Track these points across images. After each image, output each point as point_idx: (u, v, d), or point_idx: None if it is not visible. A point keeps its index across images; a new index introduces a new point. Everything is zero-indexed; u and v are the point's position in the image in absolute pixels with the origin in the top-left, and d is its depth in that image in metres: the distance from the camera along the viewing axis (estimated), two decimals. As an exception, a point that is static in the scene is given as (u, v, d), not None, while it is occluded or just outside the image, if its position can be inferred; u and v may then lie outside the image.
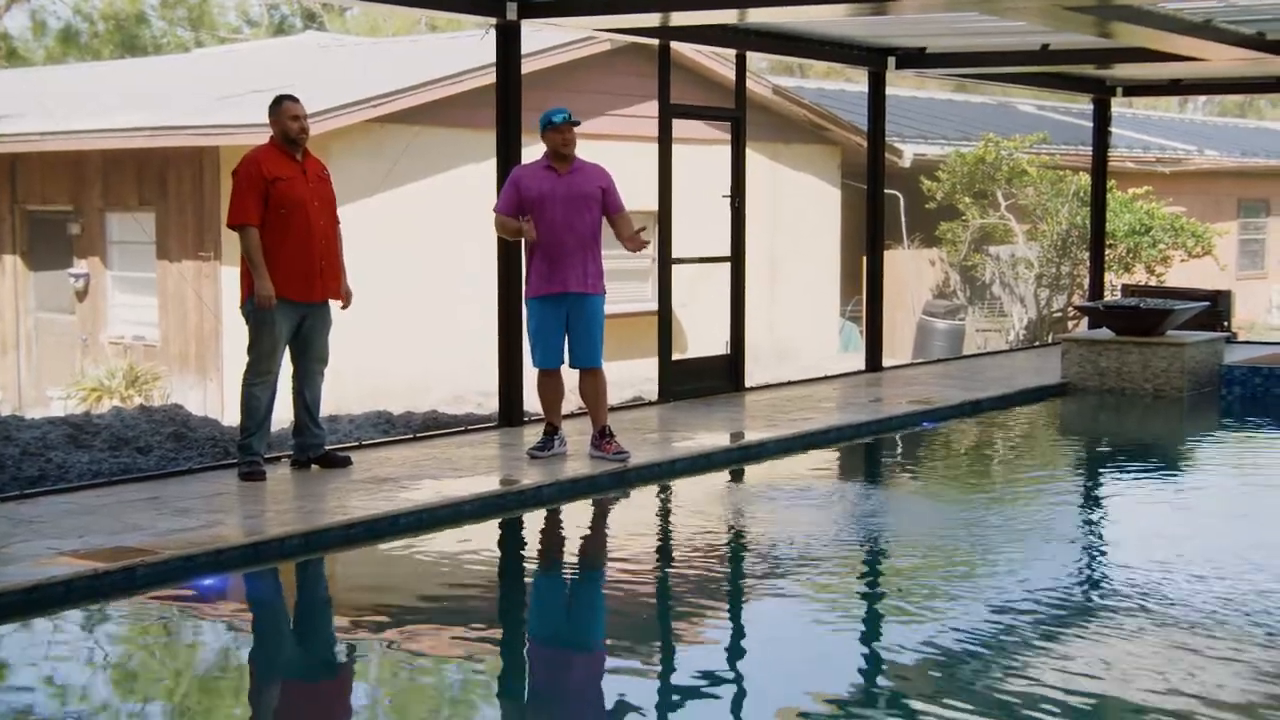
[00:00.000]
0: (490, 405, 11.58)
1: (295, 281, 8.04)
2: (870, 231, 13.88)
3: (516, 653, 6.01)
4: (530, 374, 9.22)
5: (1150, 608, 6.18)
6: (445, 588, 6.75)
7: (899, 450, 10.43)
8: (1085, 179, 18.99)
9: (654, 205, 11.34)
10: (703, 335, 15.59)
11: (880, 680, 5.43)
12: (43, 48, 38.78)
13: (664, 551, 7.55)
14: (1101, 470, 10.18)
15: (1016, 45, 12.87)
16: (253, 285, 7.98)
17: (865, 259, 14.31)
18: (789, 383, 12.85)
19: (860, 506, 8.34)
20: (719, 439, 9.88)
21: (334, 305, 8.34)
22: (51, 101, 19.87)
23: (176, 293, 16.65)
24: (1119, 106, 20.88)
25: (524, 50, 10.24)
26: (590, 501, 8.38)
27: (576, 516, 8.23)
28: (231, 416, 11.71)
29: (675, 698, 5.29)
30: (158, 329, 16.96)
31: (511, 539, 7.80)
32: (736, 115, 12.09)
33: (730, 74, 12.65)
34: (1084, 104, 20.42)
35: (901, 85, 25.69)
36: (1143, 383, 12.45)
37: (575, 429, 9.35)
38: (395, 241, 15.37)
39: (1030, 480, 9.52)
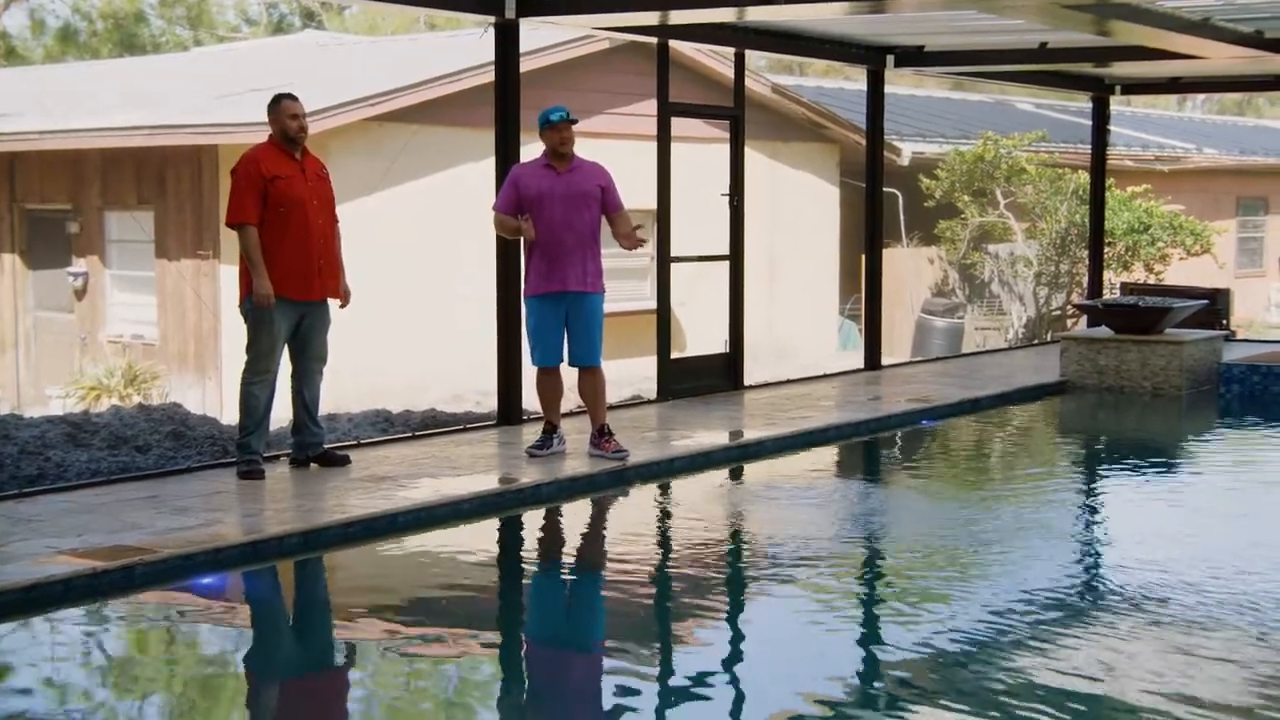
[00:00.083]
0: (489, 404, 11.58)
1: (294, 280, 8.04)
2: (869, 230, 13.89)
3: (515, 652, 6.01)
4: (529, 372, 9.22)
5: (1148, 607, 6.18)
6: (444, 586, 6.76)
7: (898, 449, 10.44)
8: (1084, 177, 18.99)
9: (653, 204, 11.34)
10: (701, 334, 15.58)
11: (878, 680, 5.43)
12: (41, 46, 38.78)
13: (663, 550, 7.56)
14: (1100, 469, 10.19)
15: (1015, 43, 12.87)
16: (251, 284, 7.98)
17: (864, 257, 14.31)
18: (788, 381, 12.85)
19: (859, 505, 8.34)
20: (718, 437, 9.88)
21: (333, 304, 8.35)
22: (50, 100, 19.87)
23: (175, 291, 16.65)
24: (1117, 105, 20.88)
25: (522, 49, 10.24)
26: (589, 500, 8.38)
27: (575, 515, 8.23)
28: (230, 415, 11.71)
29: (674, 697, 5.29)
30: (156, 328, 16.96)
31: (510, 538, 7.80)
32: (735, 114, 12.09)
33: (729, 72, 12.65)
34: (1083, 102, 20.42)
35: (900, 83, 25.69)
36: (1141, 381, 12.45)
37: (574, 427, 9.35)
38: (394, 240, 15.37)
39: (1029, 479, 9.52)
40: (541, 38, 15.20)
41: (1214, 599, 6.23)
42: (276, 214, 7.98)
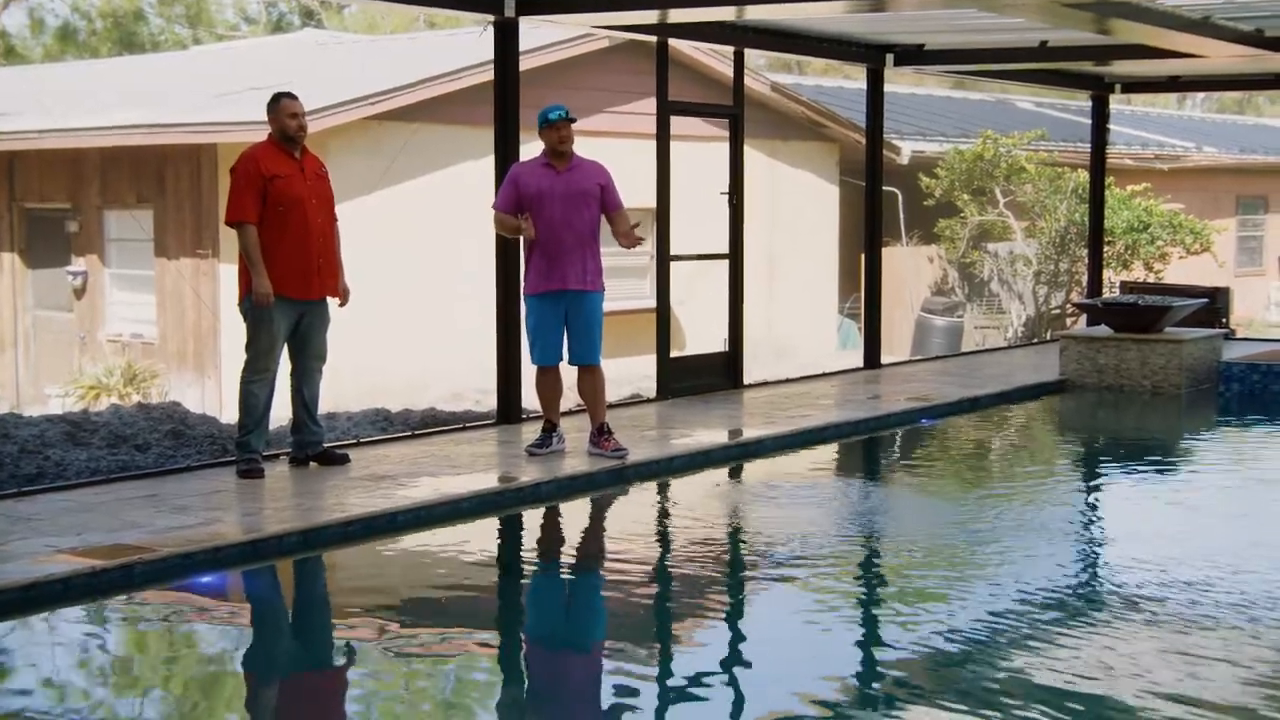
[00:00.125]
0: (488, 402, 11.58)
1: (293, 279, 8.03)
2: (868, 228, 13.88)
3: (513, 651, 6.01)
4: (529, 371, 9.22)
5: (1147, 606, 6.18)
6: (443, 585, 6.75)
7: (897, 447, 10.43)
8: (1083, 176, 18.99)
9: (652, 202, 11.34)
10: (701, 332, 15.58)
11: (876, 680, 5.43)
12: (41, 45, 38.76)
13: (662, 549, 7.56)
14: (1099, 468, 10.19)
15: (1015, 42, 12.86)
16: (251, 283, 7.98)
17: (863, 256, 14.31)
18: (787, 380, 12.85)
19: (858, 504, 8.34)
20: (717, 436, 9.88)
21: (331, 303, 8.34)
22: (49, 99, 19.86)
23: (175, 290, 16.65)
24: (1117, 103, 20.87)
25: (522, 47, 10.24)
26: (588, 499, 8.38)
27: (575, 514, 8.23)
28: (230, 414, 11.70)
29: (673, 696, 5.28)
30: (156, 326, 16.95)
31: (510, 536, 7.80)
32: (735, 112, 12.08)
33: (728, 71, 12.65)
34: (1082, 101, 20.42)
35: (900, 82, 25.68)
36: (1141, 380, 12.45)
37: (573, 426, 9.35)
38: (393, 239, 15.37)
39: (1028, 478, 9.52)
40: (541, 36, 15.19)
41: (1213, 598, 6.23)
42: (276, 213, 7.98)
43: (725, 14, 10.88)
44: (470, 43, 15.25)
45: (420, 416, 10.94)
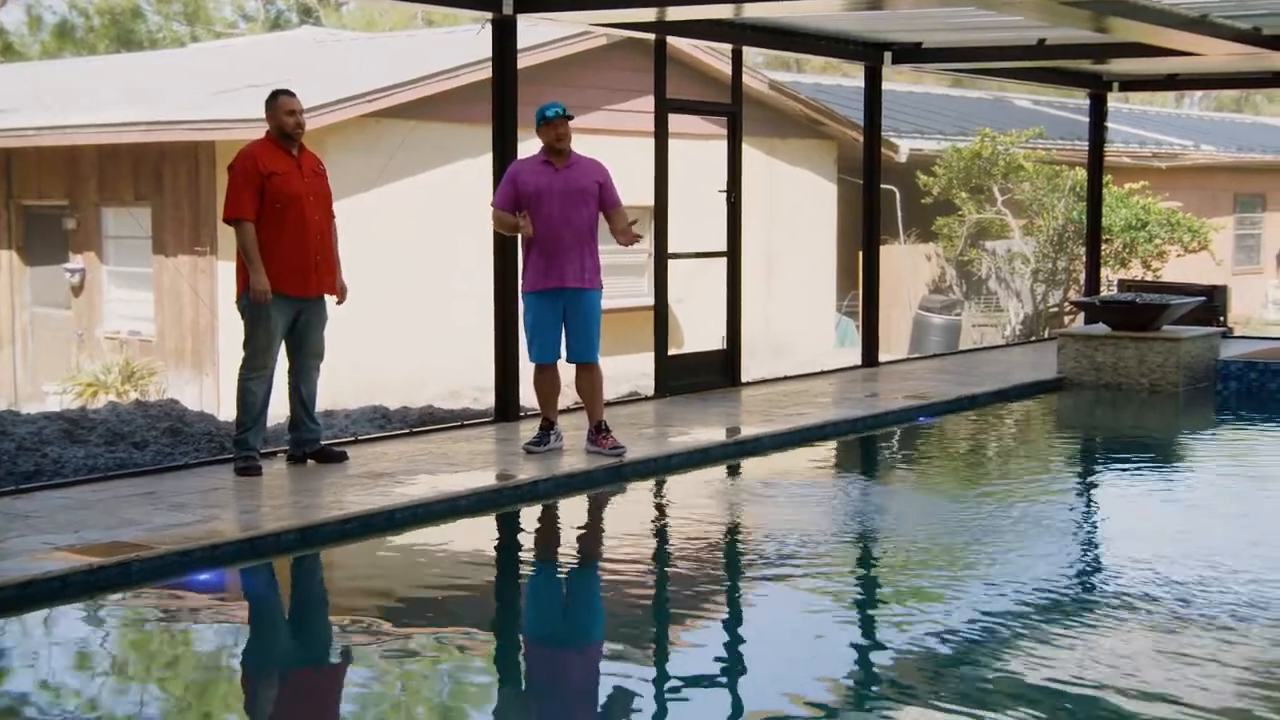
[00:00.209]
0: (486, 400, 11.58)
1: (291, 276, 8.03)
2: (866, 226, 13.88)
3: (511, 649, 6.01)
4: (526, 369, 9.22)
5: (1144, 606, 6.18)
6: (441, 583, 6.75)
7: (895, 445, 10.44)
8: (1081, 174, 19.01)
9: (650, 200, 11.33)
10: (699, 330, 15.59)
11: (871, 680, 5.42)
12: (38, 42, 38.72)
13: (659, 547, 7.56)
14: (1097, 465, 10.20)
15: (1013, 40, 12.86)
16: (248, 280, 7.97)
17: (861, 254, 14.31)
18: (785, 378, 12.86)
19: (856, 502, 8.34)
20: (715, 434, 9.88)
21: (329, 300, 8.34)
22: (47, 96, 19.84)
23: (172, 288, 16.64)
24: (1115, 101, 20.86)
25: (520, 45, 10.23)
26: (586, 497, 8.38)
27: (572, 512, 8.23)
28: (227, 411, 11.71)
29: (670, 695, 5.28)
30: (153, 324, 16.95)
31: (508, 534, 7.80)
32: (733, 110, 12.08)
33: (726, 69, 12.65)
34: (1080, 99, 20.42)
35: (898, 80, 25.69)
36: (1139, 378, 12.45)
37: (571, 424, 9.34)
38: (391, 237, 15.36)
39: (1025, 476, 9.52)
40: (539, 34, 15.19)
41: (1210, 598, 6.23)
42: (273, 210, 7.97)
43: (723, 12, 10.88)
44: (468, 40, 15.26)
45: (418, 414, 10.94)
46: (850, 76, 26.03)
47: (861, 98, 13.92)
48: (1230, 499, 8.71)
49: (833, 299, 21.03)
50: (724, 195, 11.95)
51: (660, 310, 11.51)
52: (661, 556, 7.36)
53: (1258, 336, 17.26)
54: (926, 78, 25.91)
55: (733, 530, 7.73)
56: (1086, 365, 12.67)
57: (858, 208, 14.75)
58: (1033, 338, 19.29)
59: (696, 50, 16.62)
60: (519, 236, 8.81)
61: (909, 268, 21.55)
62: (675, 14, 10.47)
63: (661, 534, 7.82)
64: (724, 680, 5.44)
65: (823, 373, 13.40)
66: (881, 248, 14.38)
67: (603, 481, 8.51)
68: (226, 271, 12.34)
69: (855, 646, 5.86)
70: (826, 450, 10.02)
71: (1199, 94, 45.21)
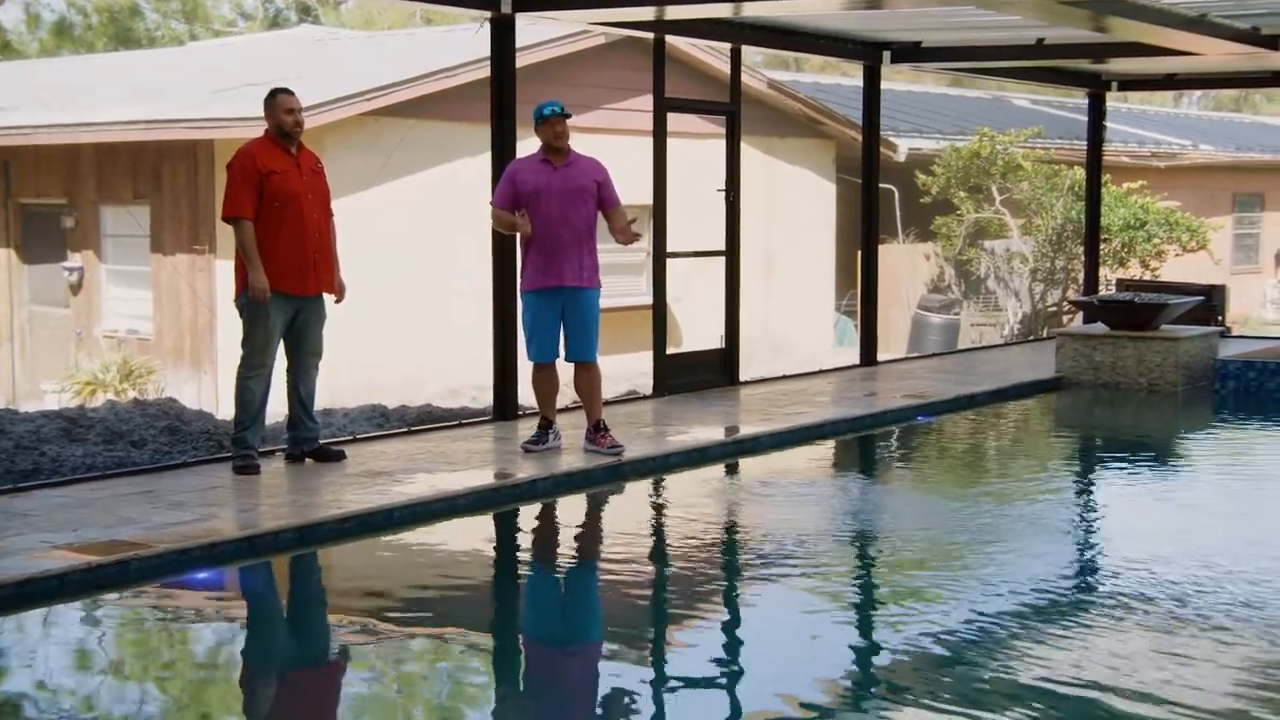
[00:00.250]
0: (485, 399, 11.57)
1: (289, 275, 8.03)
2: (865, 226, 13.88)
3: (509, 648, 6.01)
4: (525, 368, 9.22)
5: (1141, 605, 6.18)
6: (439, 582, 6.75)
7: (893, 444, 10.44)
8: (1080, 173, 19.00)
9: (649, 199, 11.33)
10: (697, 329, 15.58)
11: (868, 679, 5.42)
12: (37, 40, 38.70)
13: (657, 546, 7.56)
14: (1095, 465, 10.20)
15: (1012, 40, 12.86)
16: (247, 278, 7.97)
17: (860, 253, 14.31)
18: (783, 377, 12.86)
19: (854, 501, 8.35)
20: (713, 433, 9.88)
21: (328, 299, 8.33)
22: (46, 94, 19.83)
23: (171, 286, 16.63)
24: (1114, 101, 20.86)
25: (519, 44, 10.23)
26: (585, 495, 8.38)
27: (571, 510, 8.23)
28: (226, 410, 11.71)
29: (667, 694, 5.29)
30: (152, 323, 16.94)
31: (506, 533, 7.80)
32: (732, 109, 12.08)
33: (725, 68, 12.64)
34: (1079, 98, 20.42)
35: (897, 79, 25.68)
36: (1137, 377, 12.46)
37: (570, 423, 9.34)
38: (390, 235, 15.35)
39: (1024, 475, 9.52)
40: (538, 33, 15.18)
41: (1207, 598, 6.23)
42: (272, 209, 7.97)
43: (722, 10, 10.87)
44: (467, 39, 15.24)
45: (416, 413, 10.94)
46: (849, 75, 26.03)
47: (860, 97, 13.91)
48: (1228, 498, 8.71)
49: (831, 298, 21.03)
50: (723, 194, 11.95)
51: (659, 309, 11.51)
52: (659, 556, 7.36)
53: (1256, 336, 17.27)
54: (925, 77, 25.91)
55: (731, 529, 7.73)
56: (1085, 365, 12.67)
57: (856, 207, 14.74)
58: (1031, 337, 19.29)
59: (695, 49, 16.61)
60: (518, 235, 8.81)
61: (907, 267, 21.54)
62: (674, 13, 10.47)
63: (660, 533, 7.82)
64: (721, 680, 5.44)
65: (821, 372, 13.40)
66: (880, 247, 14.38)
67: (601, 480, 8.51)
68: (225, 270, 12.34)
69: (853, 646, 5.86)
70: (825, 449, 10.03)
71: (1198, 93, 45.20)
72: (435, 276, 15.83)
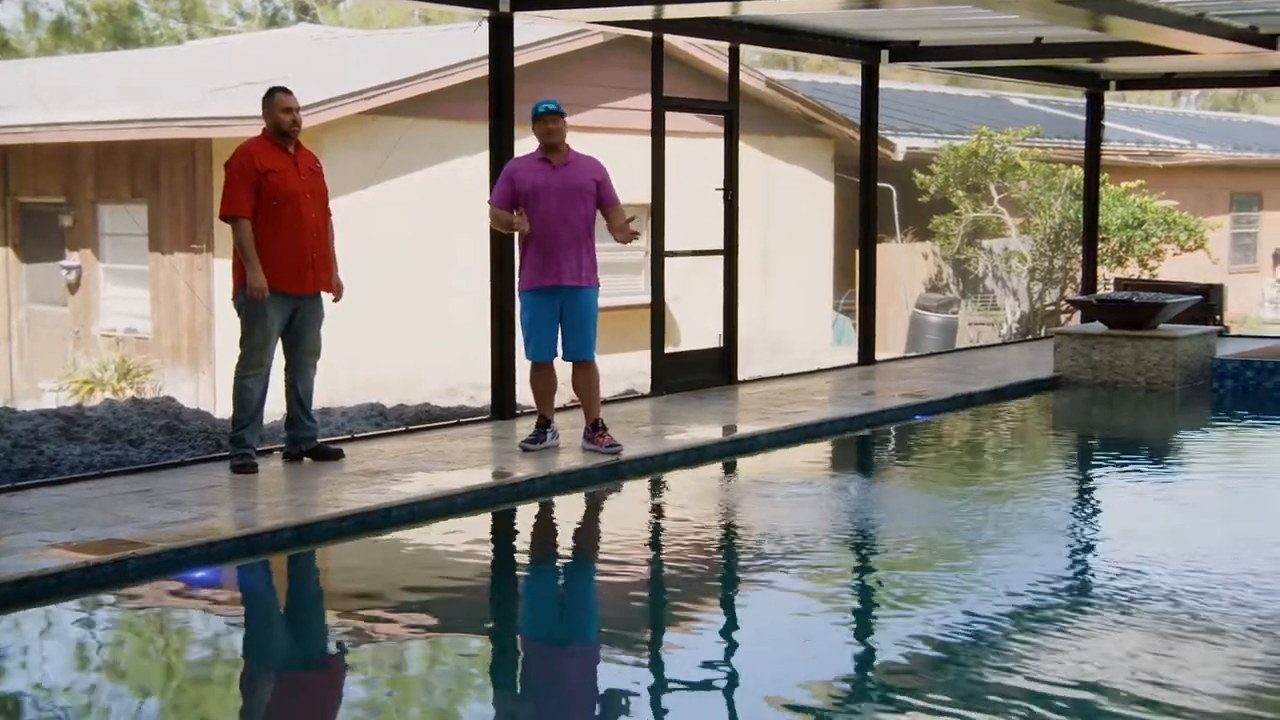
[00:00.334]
0: (483, 398, 11.57)
1: (287, 274, 8.03)
2: (863, 225, 13.88)
3: (507, 647, 6.01)
4: (523, 367, 9.22)
5: (1138, 605, 6.18)
6: (437, 581, 6.75)
7: (891, 443, 10.44)
8: (1078, 172, 19.00)
9: (647, 198, 11.33)
10: (695, 328, 15.59)
11: (865, 679, 5.42)
12: (35, 39, 38.68)
13: (656, 545, 7.56)
14: (1093, 464, 10.20)
15: (1010, 39, 12.86)
16: (245, 277, 7.97)
17: (858, 252, 14.31)
18: (781, 376, 12.86)
19: (852, 500, 8.35)
20: (711, 432, 9.88)
21: (326, 298, 8.33)
22: (44, 93, 19.79)
23: (169, 285, 16.63)
24: (1112, 100, 20.86)
25: (517, 43, 10.23)
26: (583, 495, 8.38)
27: (569, 509, 8.23)
28: (223, 409, 11.71)
29: (665, 693, 5.29)
30: (150, 321, 16.94)
31: (504, 532, 7.80)
32: (730, 108, 12.08)
33: (723, 67, 12.64)
34: (1077, 97, 20.42)
35: (895, 78, 25.67)
36: (1135, 376, 12.46)
37: (568, 422, 9.34)
38: (388, 234, 15.35)
39: (1022, 474, 9.53)
40: (536, 32, 15.18)
41: (1206, 598, 6.22)
42: (270, 207, 7.97)
43: (720, 10, 10.87)
44: (465, 38, 15.23)
45: (414, 412, 10.93)
46: (847, 75, 26.03)
47: (858, 96, 13.92)
48: (1226, 497, 8.72)
49: (829, 297, 21.03)
50: (721, 193, 11.95)
51: (657, 308, 11.51)
52: (657, 555, 7.36)
53: (1254, 335, 17.28)
54: (924, 76, 25.90)
55: (729, 529, 7.73)
56: (1083, 364, 12.67)
57: (854, 206, 14.74)
58: (1029, 336, 19.30)
59: (694, 48, 16.62)
60: (516, 234, 8.80)
61: (906, 266, 21.54)
62: (672, 12, 10.46)
63: (657, 532, 7.82)
64: (719, 680, 5.44)
65: (819, 371, 13.40)
66: (878, 246, 14.38)
67: (599, 479, 8.51)
68: (223, 269, 12.33)
69: (849, 646, 5.86)
70: (823, 448, 10.03)
71: (1196, 93, 45.21)
72: (433, 275, 15.83)
